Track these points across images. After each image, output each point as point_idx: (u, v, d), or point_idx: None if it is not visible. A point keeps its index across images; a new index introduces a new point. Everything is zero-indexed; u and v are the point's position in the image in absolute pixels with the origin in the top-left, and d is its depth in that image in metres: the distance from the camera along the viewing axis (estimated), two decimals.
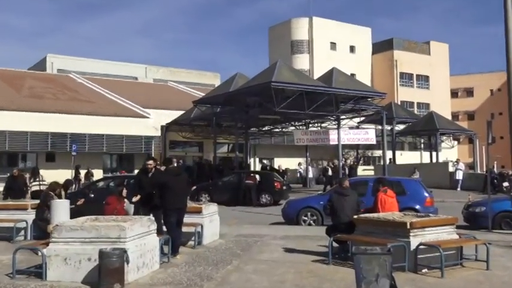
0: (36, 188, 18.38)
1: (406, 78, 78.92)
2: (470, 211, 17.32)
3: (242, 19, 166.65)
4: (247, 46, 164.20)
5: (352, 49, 78.22)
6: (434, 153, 45.36)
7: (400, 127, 47.27)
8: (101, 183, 23.08)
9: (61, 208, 12.33)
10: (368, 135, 34.17)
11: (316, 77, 42.54)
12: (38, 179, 18.83)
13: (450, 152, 53.68)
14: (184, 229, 12.16)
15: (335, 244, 11.51)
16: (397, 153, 47.26)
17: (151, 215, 11.34)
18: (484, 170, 42.69)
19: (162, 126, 42.66)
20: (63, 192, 13.47)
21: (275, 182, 27.61)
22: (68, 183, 14.70)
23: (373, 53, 79.95)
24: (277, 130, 43.88)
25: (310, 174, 42.34)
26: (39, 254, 9.52)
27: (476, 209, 17.12)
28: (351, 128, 38.72)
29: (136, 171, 23.49)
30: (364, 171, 46.96)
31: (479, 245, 10.94)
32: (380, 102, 33.94)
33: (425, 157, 54.03)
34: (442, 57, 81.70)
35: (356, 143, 38.54)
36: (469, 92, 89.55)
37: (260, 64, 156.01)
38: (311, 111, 29.74)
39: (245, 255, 12.08)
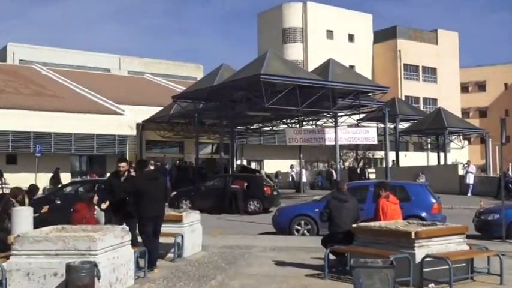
0: None
1: (411, 71, 79.29)
2: (482, 219, 17.39)
3: (228, 4, 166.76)
4: (234, 34, 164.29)
5: (350, 38, 78.48)
6: (442, 155, 45.56)
7: (404, 125, 47.45)
8: (68, 188, 22.99)
9: (23, 217, 12.23)
10: (368, 134, 34.25)
11: (310, 69, 42.60)
12: (1, 182, 18.74)
13: (460, 153, 53.98)
14: (162, 240, 12.13)
15: (332, 256, 11.52)
16: (401, 154, 47.45)
17: (124, 224, 11.30)
18: (498, 173, 42.94)
19: (137, 124, 42.55)
20: (26, 199, 13.35)
21: (265, 186, 27.62)
22: (32, 189, 14.59)
23: (374, 43, 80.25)
24: (267, 128, 43.91)
25: (304, 178, 42.39)
26: None
27: (489, 217, 17.19)
28: (350, 126, 38.81)
29: (108, 175, 23.46)
30: None
31: (492, 257, 10.98)
32: (382, 97, 34.07)
33: (432, 159, 54.32)
34: (451, 47, 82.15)
35: (355, 143, 38.63)
36: (481, 86, 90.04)
37: (248, 54, 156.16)
38: (305, 108, 29.74)
39: (231, 269, 12.07)
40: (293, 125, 39.77)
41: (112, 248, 9.45)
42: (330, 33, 76.32)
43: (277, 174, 46.67)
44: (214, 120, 38.12)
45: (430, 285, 9.86)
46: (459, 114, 68.60)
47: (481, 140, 66.33)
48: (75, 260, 8.78)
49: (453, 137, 47.50)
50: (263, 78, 26.76)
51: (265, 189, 27.42)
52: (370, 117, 40.84)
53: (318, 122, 39.83)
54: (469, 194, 34.93)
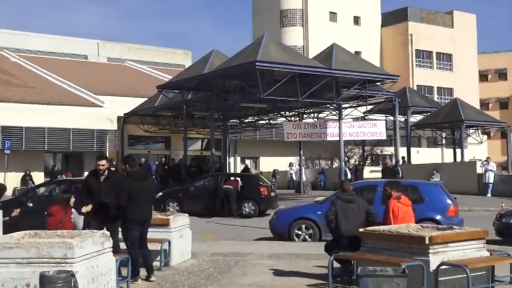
0: None
1: (424, 57, 79.38)
2: (503, 222, 17.44)
3: None
4: (226, 17, 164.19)
5: (356, 21, 78.51)
6: (458, 151, 45.62)
7: (416, 118, 47.53)
8: (42, 190, 22.93)
9: None
10: (376, 128, 34.30)
11: (311, 55, 42.61)
12: None
13: (478, 149, 54.14)
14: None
15: (336, 264, 11.53)
16: (413, 150, 47.54)
17: (105, 228, 11.29)
18: None
19: (118, 118, 42.56)
20: None
21: (261, 187, 27.64)
22: (1, 189, 14.57)
23: (382, 26, 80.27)
24: (263, 122, 43.96)
25: (304, 178, 42.46)
26: None
27: (511, 220, 17.25)
28: (355, 119, 38.85)
29: (86, 174, 23.41)
30: (372, 173, 47.14)
31: None
32: (392, 87, 34.12)
33: (447, 155, 54.42)
34: (468, 31, 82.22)
35: (361, 138, 38.65)
36: (502, 75, 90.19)
37: (242, 39, 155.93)
38: (305, 99, 29.77)
39: (224, 278, 12.07)
40: (292, 118, 39.79)
41: (91, 256, 9.43)
42: (333, 16, 76.32)
43: (274, 173, 46.71)
44: (205, 112, 38.13)
45: None
46: (477, 106, 68.79)
47: (501, 134, 66.53)
48: (49, 269, 8.75)
49: (471, 131, 47.58)
50: (259, 66, 26.76)
51: (261, 189, 27.43)
52: (378, 109, 40.91)
53: (320, 115, 39.85)
54: (489, 195, 34.99)
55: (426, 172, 36.81)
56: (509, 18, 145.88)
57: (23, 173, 36.57)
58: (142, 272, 11.90)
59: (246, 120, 43.08)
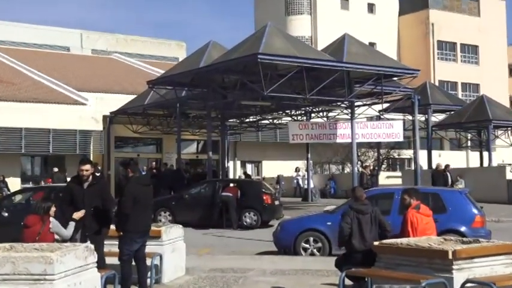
0: None
1: (447, 49, 79.37)
2: None
3: None
4: (225, 4, 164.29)
5: (371, 8, 78.57)
6: (485, 154, 45.61)
7: (438, 117, 47.49)
8: (18, 197, 22.95)
9: None
10: (393, 129, 34.27)
11: (321, 47, 42.62)
12: None
13: (508, 152, 54.04)
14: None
15: (348, 281, 11.53)
16: (435, 153, 47.49)
17: (88, 241, 11.28)
18: None
19: (104, 117, 42.55)
20: None
21: (263, 194, 27.64)
22: None
23: (400, 14, 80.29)
24: (266, 122, 43.93)
25: (312, 184, 42.47)
26: None
27: None
28: (370, 119, 38.81)
29: (68, 180, 23.42)
30: (388, 179, 47.13)
31: None
32: (410, 82, 34.08)
33: (473, 159, 54.35)
34: (496, 19, 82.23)
35: (376, 140, 38.61)
36: None
37: (243, 29, 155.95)
38: (314, 96, 29.74)
39: None
40: (299, 117, 39.78)
41: (73, 272, 9.43)
42: (344, 3, 76.37)
43: (278, 179, 46.73)
44: (201, 111, 38.09)
45: None
46: (507, 104, 68.66)
47: None
48: (27, 286, 8.76)
49: (499, 132, 47.52)
50: (261, 59, 26.73)
51: (264, 197, 27.43)
52: (395, 107, 40.77)
53: (330, 114, 39.82)
54: None
55: None
56: None
57: None
58: None
59: (247, 120, 43.04)
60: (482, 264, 10.29)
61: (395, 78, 33.24)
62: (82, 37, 72.24)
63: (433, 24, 77.64)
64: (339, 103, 34.47)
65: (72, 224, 11.97)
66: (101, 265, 10.81)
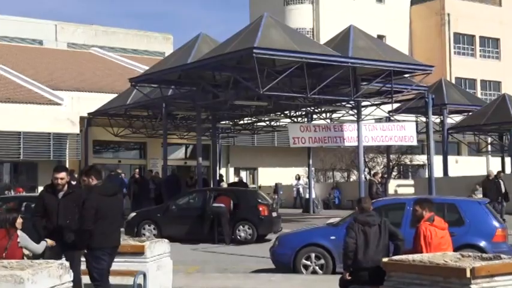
0: None
1: (465, 43, 79.44)
2: None
3: None
4: None
5: None
6: (508, 160, 45.63)
7: (454, 119, 47.51)
8: None
9: None
10: (405, 131, 34.29)
11: (323, 40, 42.65)
12: None
13: None
14: (116, 280, 12.10)
15: None
16: (451, 159, 47.51)
17: (63, 258, 11.27)
18: None
19: (81, 119, 42.49)
20: None
21: (260, 205, 27.61)
22: None
23: (412, 4, 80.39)
24: (262, 124, 43.91)
25: (314, 194, 42.47)
26: None
27: None
28: (378, 120, 38.82)
29: (41, 189, 23.41)
30: (399, 187, 47.14)
31: None
32: (424, 79, 34.11)
33: (494, 166, 54.33)
34: None
35: (386, 144, 38.63)
36: None
37: (236, 21, 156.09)
38: (316, 95, 29.75)
39: None
40: (299, 119, 39.78)
41: None
42: None
43: (276, 187, 46.73)
44: (189, 112, 38.13)
45: None
46: None
47: None
48: None
49: None
50: (257, 54, 26.70)
51: (260, 208, 27.36)
52: (407, 107, 40.81)
53: (334, 115, 39.82)
54: None
55: (467, 187, 36.73)
56: None
57: None
58: None
59: (241, 122, 43.01)
60: (504, 283, 10.30)
61: (406, 75, 33.25)
62: (56, 29, 72.20)
63: (449, 14, 77.72)
64: (343, 103, 34.46)
65: (27, 238, 11.92)
66: (77, 284, 10.81)
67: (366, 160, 48.88)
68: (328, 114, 39.69)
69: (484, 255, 12.01)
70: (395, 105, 39.22)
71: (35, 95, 43.55)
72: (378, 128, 34.92)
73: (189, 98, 34.75)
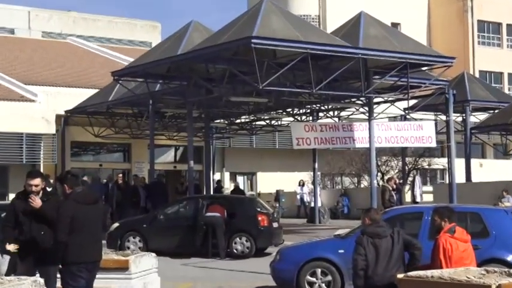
0: None
1: (490, 31, 79.42)
2: None
3: None
4: None
5: None
6: None
7: (478, 117, 47.53)
8: None
9: None
10: (423, 131, 34.31)
11: (330, 28, 42.62)
12: None
13: None
14: None
15: None
16: (474, 162, 47.53)
17: (37, 273, 11.27)
18: None
19: (58, 117, 42.49)
20: None
21: (258, 214, 27.61)
22: None
23: None
24: (262, 123, 43.90)
25: (320, 202, 42.47)
26: None
27: None
28: (393, 119, 38.84)
29: (12, 197, 23.40)
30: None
31: None
32: (444, 73, 34.12)
33: None
34: None
35: (403, 145, 38.62)
36: None
37: (233, 7, 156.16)
38: (322, 90, 29.77)
39: None
40: (303, 117, 39.79)
41: None
42: None
43: (278, 195, 46.73)
44: (179, 109, 38.12)
45: None
46: None
47: None
48: None
49: None
50: (256, 44, 26.73)
51: (259, 218, 27.37)
52: (425, 104, 40.89)
53: (343, 113, 39.85)
54: None
55: (493, 193, 36.78)
56: None
57: None
58: None
59: (238, 121, 43.05)
60: None
61: (424, 68, 33.28)
62: (30, 16, 72.13)
63: (471, 0, 77.75)
64: (353, 99, 34.49)
65: (6, 258, 11.93)
66: None
67: (379, 164, 48.85)
68: (336, 112, 39.74)
69: None
70: (412, 102, 39.17)
71: (5, 90, 43.53)
72: (392, 127, 34.92)
73: (179, 94, 34.77)
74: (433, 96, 37.08)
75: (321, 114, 39.59)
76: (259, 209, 28.32)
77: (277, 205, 44.29)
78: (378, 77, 31.66)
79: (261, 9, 29.18)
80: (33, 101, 42.57)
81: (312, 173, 42.73)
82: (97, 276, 11.99)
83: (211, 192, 37.83)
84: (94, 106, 40.79)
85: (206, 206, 27.55)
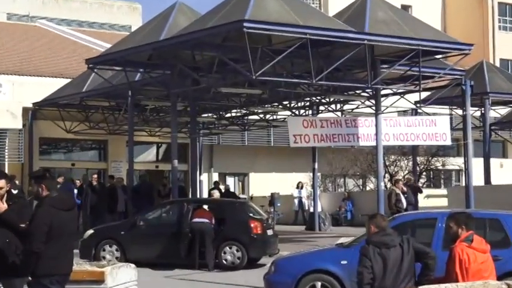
0: None
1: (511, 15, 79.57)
2: None
3: None
4: None
5: None
6: None
7: (499, 112, 47.60)
8: None
9: None
10: (436, 127, 34.34)
11: (332, 11, 42.66)
12: None
13: None
14: None
15: None
16: (494, 162, 47.57)
17: (0, 286, 11.26)
18: None
19: (25, 110, 42.41)
20: None
21: (251, 221, 27.62)
22: None
23: None
24: (255, 118, 43.91)
25: (320, 206, 42.50)
26: None
27: None
28: (403, 113, 38.87)
29: None
30: (429, 198, 47.18)
31: None
32: (460, 62, 34.17)
33: None
34: None
35: (413, 143, 38.65)
36: None
37: None
38: (323, 81, 29.79)
39: None
40: (302, 111, 39.82)
41: None
42: None
43: (273, 198, 46.72)
44: (162, 102, 38.13)
45: None
46: None
47: None
48: None
49: None
50: (248, 28, 26.71)
51: (251, 225, 27.39)
52: (439, 97, 40.92)
53: (346, 107, 39.88)
54: None
55: None
56: None
57: None
58: None
59: (228, 115, 43.06)
60: None
61: (438, 56, 33.32)
62: None
63: None
64: (358, 91, 34.53)
65: None
66: None
67: (386, 164, 48.92)
68: (338, 106, 39.72)
69: None
70: (424, 95, 39.26)
71: None
72: (402, 123, 34.90)
73: (161, 85, 34.71)
74: (447, 88, 37.09)
75: (321, 107, 39.61)
76: (251, 215, 28.35)
77: (272, 210, 44.23)
78: (386, 66, 31.65)
79: None
80: None
81: (311, 174, 42.81)
82: None
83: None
84: (66, 98, 40.70)
85: (192, 211, 27.52)
